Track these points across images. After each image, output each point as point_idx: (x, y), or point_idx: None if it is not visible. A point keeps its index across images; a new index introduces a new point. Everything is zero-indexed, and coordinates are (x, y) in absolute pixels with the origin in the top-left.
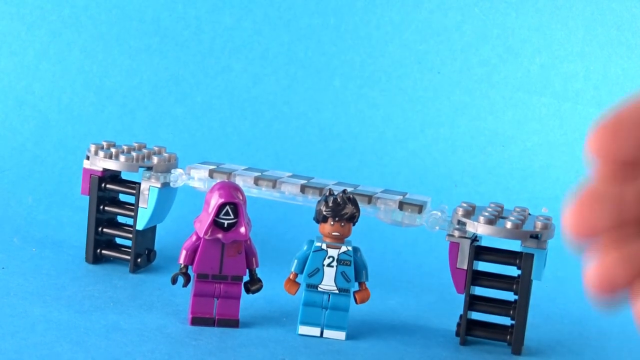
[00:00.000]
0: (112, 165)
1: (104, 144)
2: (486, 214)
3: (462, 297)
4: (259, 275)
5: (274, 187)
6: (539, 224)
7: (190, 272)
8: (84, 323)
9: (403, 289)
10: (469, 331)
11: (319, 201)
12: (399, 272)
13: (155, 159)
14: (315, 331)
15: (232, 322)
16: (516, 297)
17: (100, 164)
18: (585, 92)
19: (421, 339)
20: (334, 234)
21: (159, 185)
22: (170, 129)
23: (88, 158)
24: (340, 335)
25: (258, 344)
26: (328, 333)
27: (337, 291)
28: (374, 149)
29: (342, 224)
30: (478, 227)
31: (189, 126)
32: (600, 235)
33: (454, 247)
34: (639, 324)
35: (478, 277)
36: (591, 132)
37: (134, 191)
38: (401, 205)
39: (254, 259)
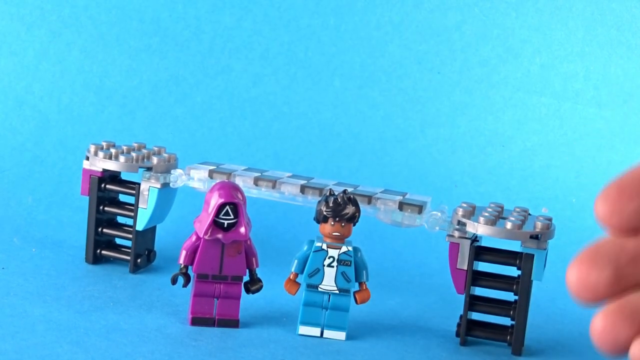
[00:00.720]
0: (111, 165)
1: (104, 144)
2: (486, 214)
3: (462, 297)
4: (259, 276)
5: (273, 187)
6: (539, 225)
7: (190, 272)
8: (84, 323)
9: (403, 289)
10: (469, 331)
11: (319, 201)
12: (399, 273)
13: (155, 160)
14: (316, 331)
15: (232, 322)
16: (516, 297)
17: (100, 164)
18: (585, 92)
19: (421, 339)
20: (334, 234)
21: (158, 186)
22: (170, 129)
23: (88, 158)
24: (341, 335)
25: (258, 344)
26: (328, 333)
27: (337, 291)
28: (374, 149)
29: (343, 224)
30: (478, 228)
31: (189, 126)
32: (603, 294)
33: (454, 248)
34: None
35: (478, 278)
36: (597, 198)
37: (133, 191)
38: (401, 205)
39: (254, 259)
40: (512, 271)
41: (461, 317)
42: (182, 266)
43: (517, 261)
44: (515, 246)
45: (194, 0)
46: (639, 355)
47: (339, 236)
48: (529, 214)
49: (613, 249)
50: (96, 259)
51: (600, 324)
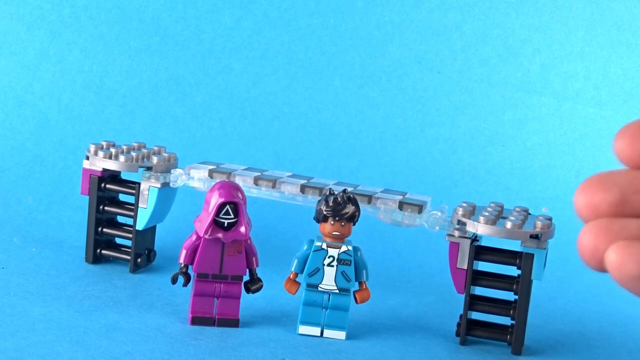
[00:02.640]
0: (111, 165)
1: (104, 144)
2: (486, 214)
3: (462, 297)
4: (259, 275)
5: (273, 187)
6: (539, 224)
7: (190, 271)
8: (84, 322)
9: (403, 289)
10: (469, 331)
11: (319, 201)
12: (399, 272)
13: (155, 159)
14: (316, 331)
15: (232, 322)
16: (516, 297)
17: (100, 164)
18: (585, 92)
19: (421, 339)
20: (334, 233)
21: (158, 185)
22: (170, 129)
23: (88, 158)
24: (341, 335)
25: (258, 344)
26: (328, 333)
27: (337, 291)
28: (374, 149)
29: (343, 223)
30: (478, 227)
31: (189, 126)
32: (603, 214)
33: (454, 247)
34: (617, 277)
35: (478, 277)
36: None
37: (133, 191)
38: (401, 205)
39: (254, 258)
40: (512, 271)
41: (461, 316)
42: (182, 265)
43: (517, 261)
44: (515, 246)
45: (194, 0)
46: (613, 260)
47: (339, 236)
48: (529, 214)
49: (624, 177)
50: (96, 259)
51: (585, 237)
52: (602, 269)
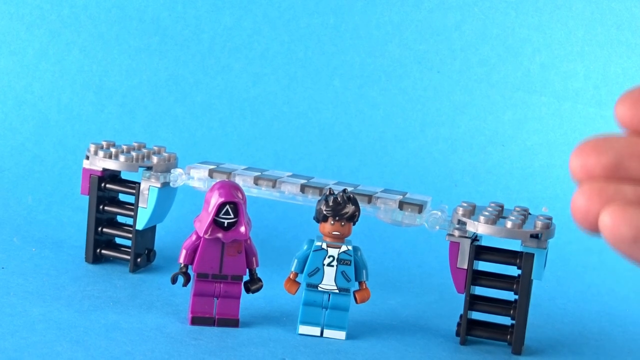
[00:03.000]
0: (111, 165)
1: (104, 143)
2: (486, 213)
3: (463, 296)
4: (259, 275)
5: (273, 186)
6: (539, 224)
7: (190, 271)
8: (84, 322)
9: (403, 288)
10: (469, 331)
11: (319, 200)
12: (399, 272)
13: (155, 159)
14: (316, 331)
15: (232, 322)
16: (516, 297)
17: (100, 163)
18: (585, 92)
19: (421, 339)
20: (334, 233)
21: (158, 185)
22: (170, 129)
23: (88, 158)
24: (341, 335)
25: (258, 344)
26: (328, 333)
27: (337, 291)
28: (374, 149)
29: (342, 223)
30: (478, 227)
31: (189, 126)
32: (597, 177)
33: (454, 247)
34: (611, 240)
35: (478, 277)
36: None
37: (133, 191)
38: (401, 205)
39: (254, 258)
40: (512, 270)
41: (461, 316)
42: (182, 265)
43: (517, 260)
44: (515, 245)
45: (194, 0)
46: (606, 223)
47: (339, 235)
48: (529, 213)
49: (620, 142)
50: (96, 259)
51: (578, 199)
52: (595, 231)
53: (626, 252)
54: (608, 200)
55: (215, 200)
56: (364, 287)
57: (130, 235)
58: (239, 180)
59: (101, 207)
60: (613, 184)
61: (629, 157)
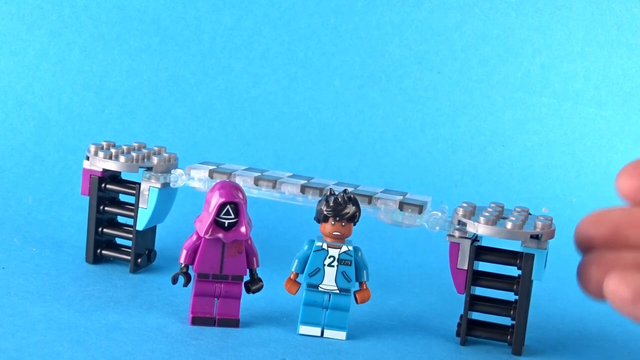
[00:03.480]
0: (112, 165)
1: (104, 144)
2: (486, 214)
3: (463, 297)
4: (259, 275)
5: (274, 187)
6: (539, 224)
7: (191, 271)
8: (84, 322)
9: (403, 289)
10: (469, 331)
11: (319, 201)
12: (399, 272)
13: (155, 159)
14: (316, 331)
15: (232, 322)
16: (516, 297)
17: (100, 164)
18: (585, 92)
19: (421, 339)
20: (334, 233)
21: (159, 186)
22: (170, 129)
23: (88, 158)
24: (341, 335)
25: (258, 344)
26: (328, 333)
27: (337, 291)
28: (374, 149)
29: (343, 223)
30: (478, 228)
31: (189, 126)
32: (597, 247)
33: (455, 248)
34: (614, 302)
35: (478, 277)
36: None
37: (134, 191)
38: (401, 205)
39: (254, 258)
40: (513, 271)
41: (461, 316)
42: (182, 266)
43: (518, 261)
44: (515, 246)
45: (194, 0)
46: (608, 287)
47: (340, 236)
48: (530, 214)
49: (619, 213)
50: (96, 259)
51: (582, 269)
52: (601, 298)
53: (629, 313)
54: (609, 268)
55: (215, 200)
56: (365, 287)
57: (131, 236)
58: (239, 181)
59: (101, 207)
60: (613, 252)
61: (626, 227)
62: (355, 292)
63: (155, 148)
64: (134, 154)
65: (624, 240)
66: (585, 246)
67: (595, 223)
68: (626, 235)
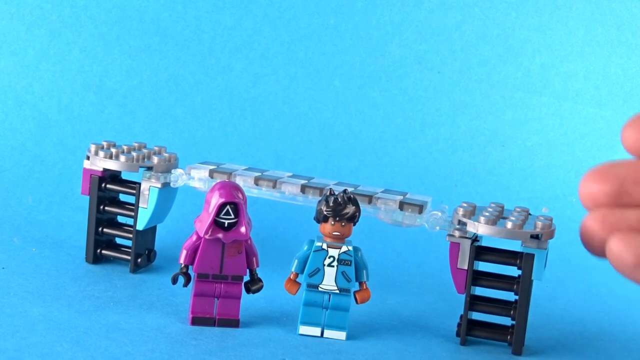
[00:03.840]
0: (112, 165)
1: (104, 144)
2: (487, 214)
3: (463, 297)
4: (259, 275)
5: (274, 187)
6: (539, 224)
7: (191, 271)
8: (84, 323)
9: (403, 289)
10: (469, 331)
11: (319, 201)
12: (399, 272)
13: (155, 159)
14: (316, 331)
15: (232, 322)
16: (516, 297)
17: (101, 164)
18: (585, 92)
19: (421, 339)
20: (334, 233)
21: (159, 186)
22: (170, 129)
23: (88, 158)
24: (341, 335)
25: (258, 344)
26: (328, 333)
27: (337, 291)
28: (374, 149)
29: (343, 223)
30: (478, 227)
31: (189, 126)
32: (602, 204)
33: (455, 247)
34: (617, 267)
35: (478, 277)
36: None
37: (134, 191)
38: (401, 205)
39: (254, 258)
40: (513, 271)
41: (461, 316)
42: (182, 266)
43: (518, 261)
44: (515, 246)
45: (194, 0)
46: (612, 251)
47: (339, 236)
48: (530, 214)
49: (625, 168)
50: (96, 259)
51: (585, 227)
52: (602, 256)
53: (630, 276)
54: (612, 228)
55: (215, 200)
56: (365, 287)
57: (131, 236)
58: (239, 181)
59: (101, 207)
60: (617, 211)
61: (633, 183)
62: (355, 292)
63: (156, 148)
64: (134, 154)
65: (629, 198)
66: (590, 202)
67: (600, 178)
68: (632, 192)
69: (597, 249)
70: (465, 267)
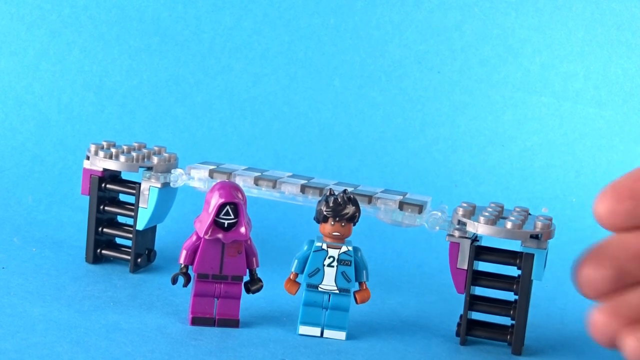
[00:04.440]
0: (112, 165)
1: (104, 144)
2: (486, 214)
3: (462, 297)
4: (259, 275)
5: (274, 187)
6: (539, 224)
7: (191, 272)
8: (84, 323)
9: (403, 289)
10: (469, 331)
11: (319, 201)
12: (399, 272)
13: (155, 159)
14: (316, 331)
15: (232, 322)
16: (516, 297)
17: (100, 164)
18: (585, 92)
19: (421, 339)
20: (334, 234)
21: (159, 185)
22: (170, 129)
23: (88, 158)
24: (341, 335)
25: (258, 344)
26: (328, 333)
27: (337, 291)
28: (374, 149)
29: (343, 224)
30: (478, 227)
31: (189, 126)
32: (605, 290)
33: (454, 247)
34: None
35: (478, 277)
36: (595, 200)
37: (134, 191)
38: (401, 205)
39: (254, 259)
40: (512, 271)
41: (461, 316)
42: (182, 266)
43: (517, 261)
44: (515, 246)
45: (194, 0)
46: (629, 348)
47: (339, 236)
48: (529, 214)
49: (616, 248)
50: (96, 259)
51: (596, 320)
52: (612, 347)
53: None
54: (622, 320)
55: (215, 200)
56: (364, 287)
57: (131, 236)
58: (239, 181)
59: (101, 207)
60: (622, 299)
61: (629, 261)
62: (355, 292)
63: (155, 148)
64: (134, 154)
65: (628, 278)
66: (592, 291)
67: (597, 264)
68: (630, 270)
69: (608, 341)
70: (465, 267)
